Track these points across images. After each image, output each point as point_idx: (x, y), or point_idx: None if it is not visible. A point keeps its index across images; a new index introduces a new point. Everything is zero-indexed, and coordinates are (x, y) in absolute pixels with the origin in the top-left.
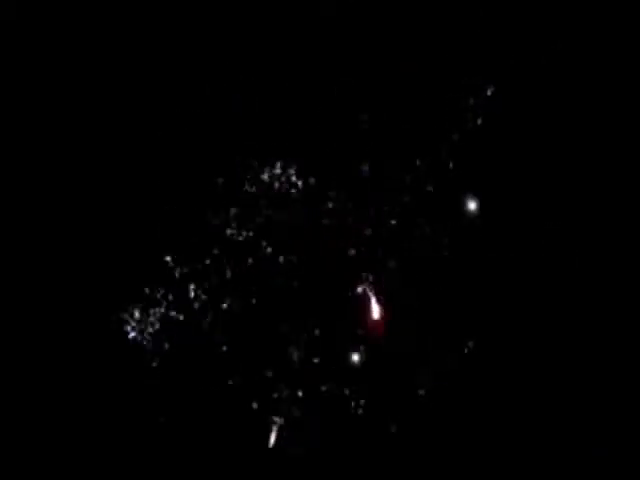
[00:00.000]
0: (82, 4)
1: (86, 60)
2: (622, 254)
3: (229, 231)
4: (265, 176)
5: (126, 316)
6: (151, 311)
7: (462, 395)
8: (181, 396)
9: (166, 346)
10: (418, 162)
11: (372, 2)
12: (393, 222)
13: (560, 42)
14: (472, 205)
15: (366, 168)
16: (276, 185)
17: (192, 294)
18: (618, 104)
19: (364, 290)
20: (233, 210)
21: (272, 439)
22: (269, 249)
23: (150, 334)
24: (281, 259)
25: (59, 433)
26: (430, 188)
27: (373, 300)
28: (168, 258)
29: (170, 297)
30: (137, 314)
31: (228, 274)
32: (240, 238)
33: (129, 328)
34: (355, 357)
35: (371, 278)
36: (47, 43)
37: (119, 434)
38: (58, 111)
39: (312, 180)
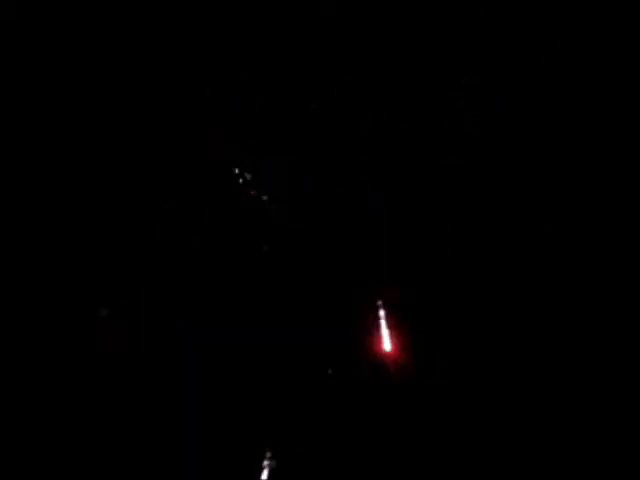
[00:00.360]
0: (82, 4)
1: (85, 60)
2: (622, 253)
3: (228, 231)
4: (265, 175)
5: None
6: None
7: (463, 396)
8: (177, 400)
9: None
10: (421, 160)
11: (372, 2)
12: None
13: (560, 42)
14: (473, 205)
15: (367, 162)
16: (277, 184)
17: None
18: (618, 104)
19: (371, 301)
20: (232, 208)
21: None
22: (269, 250)
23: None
24: (281, 262)
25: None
26: (432, 187)
27: (382, 314)
28: (166, 257)
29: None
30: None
31: (227, 275)
32: (241, 238)
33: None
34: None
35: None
36: (47, 43)
37: (110, 435)
38: (58, 111)
39: (313, 179)
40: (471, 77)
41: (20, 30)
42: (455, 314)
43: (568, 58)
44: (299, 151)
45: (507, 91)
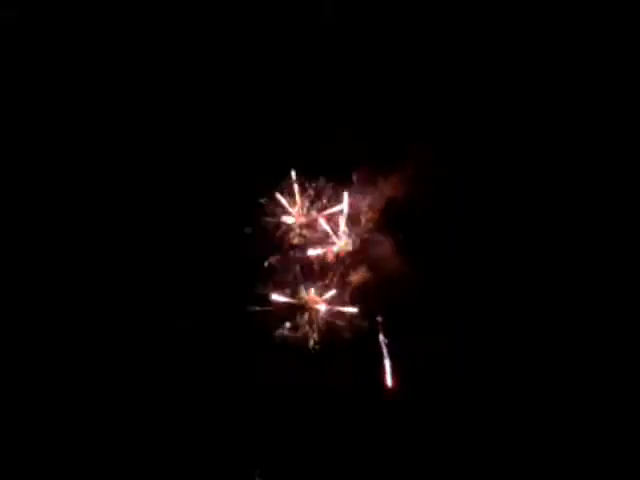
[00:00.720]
0: (82, 4)
1: (86, 61)
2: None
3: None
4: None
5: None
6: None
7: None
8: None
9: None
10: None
11: (371, 9)
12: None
13: (560, 42)
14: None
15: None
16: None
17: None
18: (618, 105)
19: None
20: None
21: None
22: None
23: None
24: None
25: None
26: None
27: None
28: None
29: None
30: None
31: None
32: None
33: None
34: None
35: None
36: (47, 43)
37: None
38: (58, 111)
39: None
40: (470, 79)
41: (20, 31)
42: (457, 318)
43: (568, 58)
44: (298, 152)
45: (506, 93)
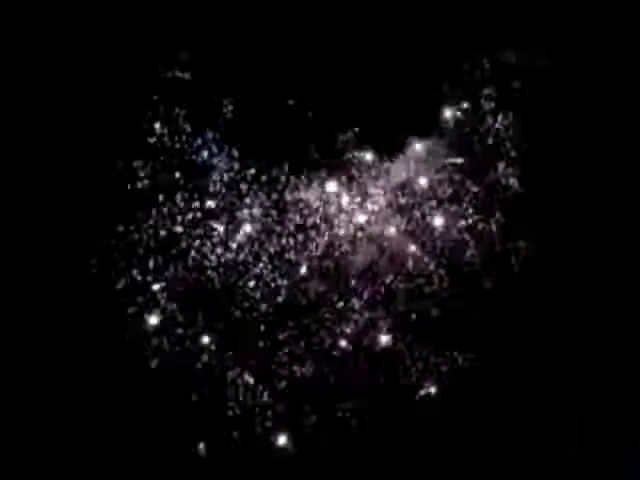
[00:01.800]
0: (82, 4)
1: (86, 61)
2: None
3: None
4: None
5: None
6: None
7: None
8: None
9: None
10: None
11: (371, 10)
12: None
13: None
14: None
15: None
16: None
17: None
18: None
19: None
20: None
21: None
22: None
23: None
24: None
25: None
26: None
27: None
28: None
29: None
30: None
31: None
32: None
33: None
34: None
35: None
36: (47, 43)
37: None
38: (58, 111)
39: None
40: (470, 85)
41: (21, 32)
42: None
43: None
44: (298, 152)
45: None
